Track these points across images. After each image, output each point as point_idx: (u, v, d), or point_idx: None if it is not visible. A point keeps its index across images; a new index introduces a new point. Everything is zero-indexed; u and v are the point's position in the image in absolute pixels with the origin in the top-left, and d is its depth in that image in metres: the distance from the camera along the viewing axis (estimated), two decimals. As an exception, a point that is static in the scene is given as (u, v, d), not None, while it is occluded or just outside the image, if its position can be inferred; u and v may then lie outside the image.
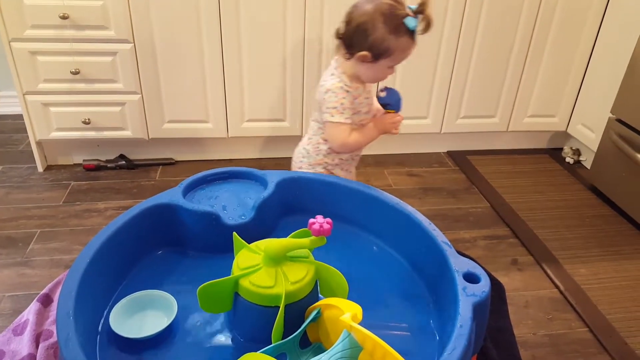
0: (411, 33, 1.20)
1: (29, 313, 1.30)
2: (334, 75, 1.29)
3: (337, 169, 1.42)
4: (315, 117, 1.38)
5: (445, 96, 2.23)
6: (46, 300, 1.35)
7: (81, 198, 1.94)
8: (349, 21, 1.24)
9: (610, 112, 2.02)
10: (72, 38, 1.84)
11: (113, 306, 0.93)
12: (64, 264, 1.59)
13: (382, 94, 1.34)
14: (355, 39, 1.22)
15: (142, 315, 0.93)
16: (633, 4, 1.96)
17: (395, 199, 1.12)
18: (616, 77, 2.02)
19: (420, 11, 1.20)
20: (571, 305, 1.52)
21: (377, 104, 1.38)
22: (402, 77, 2.14)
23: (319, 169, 1.40)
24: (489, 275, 1.47)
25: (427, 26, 1.21)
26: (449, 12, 2.04)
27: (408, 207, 1.09)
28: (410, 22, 1.18)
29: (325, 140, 1.36)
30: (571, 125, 2.36)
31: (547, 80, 2.26)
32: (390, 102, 1.34)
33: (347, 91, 1.27)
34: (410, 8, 1.20)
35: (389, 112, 1.36)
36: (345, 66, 1.29)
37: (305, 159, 1.40)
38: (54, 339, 1.23)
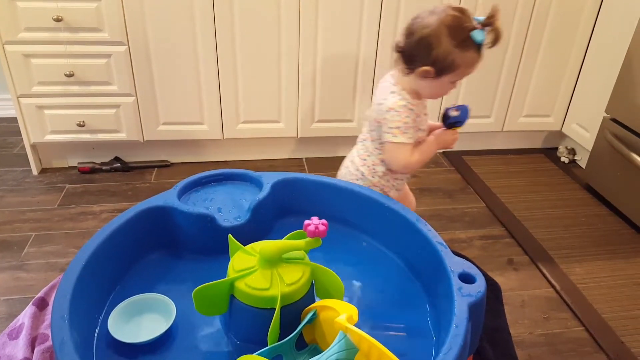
0: (478, 47, 1.13)
1: (25, 317, 1.29)
2: (394, 92, 1.19)
3: (392, 190, 1.35)
4: (372, 136, 1.28)
5: (440, 97, 2.23)
6: (42, 304, 1.35)
7: (76, 201, 1.93)
8: (409, 34, 1.15)
9: (605, 111, 2.02)
10: (66, 40, 1.83)
11: (109, 309, 0.93)
12: (59, 267, 1.59)
13: (455, 113, 1.26)
14: (416, 53, 1.14)
15: (140, 319, 0.92)
16: (626, 4, 1.97)
17: (390, 199, 1.12)
18: (610, 76, 2.03)
19: (488, 24, 1.12)
20: (567, 304, 1.53)
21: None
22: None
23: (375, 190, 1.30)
24: (485, 275, 1.47)
25: (496, 39, 1.13)
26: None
27: (403, 208, 1.09)
28: (477, 35, 1.11)
29: (383, 161, 1.28)
30: (566, 125, 2.37)
31: (542, 80, 2.27)
32: (461, 119, 1.27)
33: (411, 109, 1.18)
34: (477, 20, 1.13)
35: (452, 129, 1.29)
36: (404, 82, 1.20)
37: (360, 182, 1.31)
38: (50, 342, 1.23)
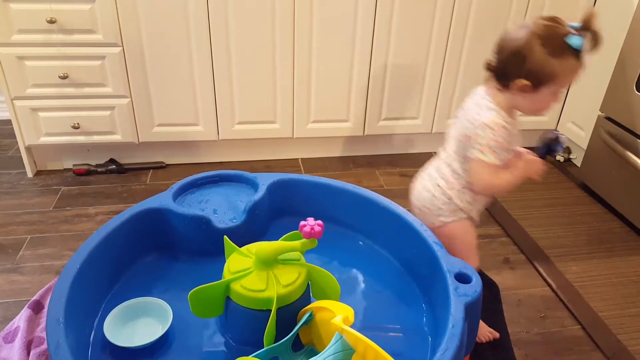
0: (576, 53, 1.07)
1: (20, 320, 1.29)
2: (491, 109, 1.12)
3: (476, 213, 1.25)
4: (460, 156, 1.19)
5: (436, 97, 2.24)
6: (37, 307, 1.34)
7: (71, 203, 1.92)
8: (500, 50, 1.10)
9: (599, 110, 2.03)
10: (60, 42, 1.83)
11: (104, 312, 0.93)
12: (54, 270, 1.58)
13: (554, 142, 1.19)
14: (510, 68, 1.08)
15: (136, 323, 0.92)
16: (620, 3, 1.98)
17: (386, 200, 1.12)
18: (605, 75, 2.03)
19: (585, 28, 1.08)
20: (563, 303, 1.53)
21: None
22: (392, 78, 2.14)
23: (461, 215, 1.22)
24: (483, 274, 1.48)
25: (596, 43, 1.08)
26: (437, 14, 2.05)
27: (399, 208, 1.09)
28: (574, 40, 1.06)
29: (471, 183, 1.18)
30: (561, 124, 2.38)
31: (537, 79, 2.27)
32: (558, 149, 1.20)
33: (506, 128, 1.10)
34: (572, 26, 1.08)
35: (544, 158, 1.20)
36: (499, 99, 1.13)
37: (446, 206, 1.21)
38: (45, 345, 1.22)
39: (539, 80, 1.07)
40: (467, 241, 1.25)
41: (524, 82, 1.07)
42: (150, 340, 0.87)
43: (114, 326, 0.89)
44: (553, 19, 1.10)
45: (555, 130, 1.19)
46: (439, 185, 1.22)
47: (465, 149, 1.15)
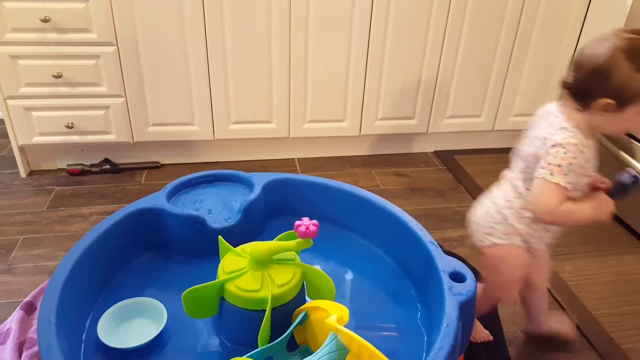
0: None
1: (12, 321, 1.28)
2: (565, 129, 1.03)
3: (539, 243, 1.16)
4: (525, 175, 1.12)
5: (432, 97, 2.24)
6: (29, 308, 1.33)
7: (65, 203, 1.91)
8: (579, 67, 1.02)
9: (594, 110, 2.03)
10: (54, 41, 1.82)
11: (97, 313, 0.92)
12: (47, 271, 1.57)
13: (630, 182, 1.10)
14: (591, 86, 0.99)
15: (130, 324, 0.91)
16: (615, 3, 1.98)
17: (381, 199, 1.12)
18: (599, 75, 2.04)
19: None
20: (557, 301, 1.53)
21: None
22: (388, 78, 2.14)
23: (516, 240, 1.14)
24: (479, 274, 1.48)
25: None
26: (433, 13, 2.05)
27: (395, 208, 1.09)
28: None
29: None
30: (556, 124, 2.38)
31: (531, 79, 2.28)
32: (633, 191, 1.11)
33: (581, 151, 1.02)
34: None
35: (616, 198, 1.11)
36: (576, 119, 1.03)
37: (500, 226, 1.13)
38: (38, 347, 1.21)
39: (624, 99, 0.98)
40: (512, 272, 1.16)
41: (608, 101, 0.98)
42: (145, 341, 0.86)
43: (108, 327, 0.89)
44: (637, 32, 0.99)
45: (632, 171, 1.09)
46: (495, 203, 1.15)
47: (533, 169, 1.07)
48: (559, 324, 1.39)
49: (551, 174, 1.01)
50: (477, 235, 1.18)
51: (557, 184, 1.01)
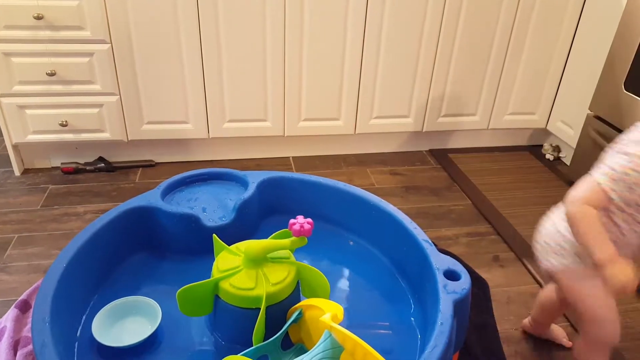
0: None
1: (7, 320, 1.27)
2: None
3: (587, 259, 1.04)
4: None
5: (427, 95, 2.24)
6: (24, 307, 1.32)
7: (59, 202, 1.90)
8: None
9: (589, 108, 2.04)
10: (47, 39, 1.80)
11: (92, 311, 0.92)
12: (42, 269, 1.56)
13: None
14: None
15: (125, 322, 0.91)
16: (609, 2, 1.99)
17: (376, 197, 1.12)
18: (594, 74, 2.05)
19: None
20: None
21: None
22: (383, 76, 2.14)
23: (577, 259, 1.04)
24: (472, 272, 1.48)
25: None
26: (428, 12, 2.05)
27: (389, 206, 1.09)
28: None
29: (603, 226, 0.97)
30: (551, 123, 2.39)
31: (527, 78, 2.29)
32: None
33: None
34: None
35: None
36: None
37: (569, 246, 1.04)
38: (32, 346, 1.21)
39: None
40: (598, 296, 1.01)
41: None
42: (139, 339, 0.86)
43: (103, 325, 0.89)
44: None
45: None
46: (554, 223, 1.06)
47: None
48: (561, 333, 1.39)
49: (600, 174, 0.94)
50: (546, 256, 1.09)
51: (598, 184, 0.93)
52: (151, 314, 0.91)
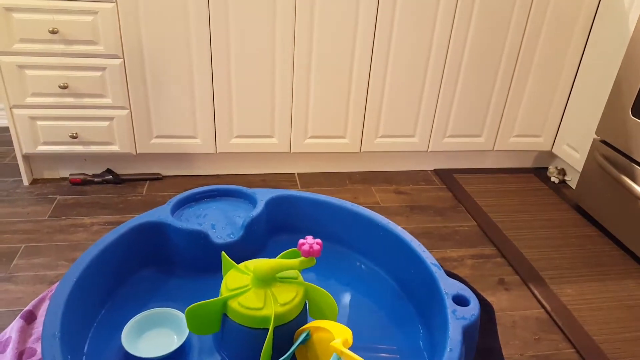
0: None
1: (12, 330, 1.27)
2: None
3: None
4: None
5: (432, 115, 2.26)
6: (30, 317, 1.33)
7: (67, 213, 1.91)
8: None
9: (595, 133, 2.05)
10: (61, 52, 1.83)
11: (98, 327, 0.93)
12: (48, 280, 1.57)
13: None
14: None
15: (152, 334, 0.93)
16: (617, 26, 2.01)
17: (384, 219, 1.12)
18: (601, 98, 2.06)
19: None
20: (558, 325, 1.53)
21: None
22: (389, 95, 2.16)
23: None
24: (478, 295, 1.47)
25: None
26: (436, 33, 2.07)
27: (397, 228, 1.09)
28: None
29: None
30: (556, 146, 2.40)
31: (533, 100, 2.30)
32: None
33: None
34: None
35: None
36: None
37: None
38: (38, 357, 1.21)
39: None
40: None
41: None
42: (167, 351, 0.88)
43: (132, 336, 0.90)
44: None
45: None
46: None
47: None
48: None
49: None
50: None
51: None
52: (178, 325, 0.93)
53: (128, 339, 0.89)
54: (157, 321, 0.94)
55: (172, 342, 0.90)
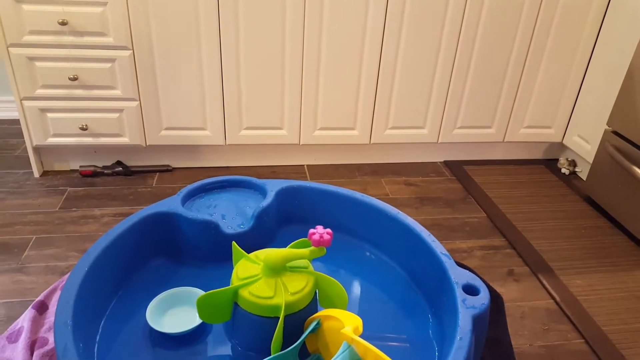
0: None
1: (24, 320, 1.29)
2: None
3: None
4: None
5: (443, 106, 2.24)
6: (41, 308, 1.34)
7: (77, 204, 1.93)
8: None
9: (607, 124, 2.03)
10: (70, 44, 1.84)
11: (110, 315, 0.94)
12: (59, 271, 1.58)
13: None
14: None
15: (175, 311, 0.96)
16: (630, 17, 1.98)
17: (394, 209, 1.12)
18: (612, 89, 2.04)
19: None
20: (567, 316, 1.53)
21: None
22: (399, 87, 2.15)
23: None
24: (488, 286, 1.47)
25: None
26: (446, 24, 2.06)
27: (408, 218, 1.09)
28: None
29: None
30: (567, 137, 2.38)
31: (544, 91, 2.28)
32: None
33: None
34: None
35: None
36: None
37: None
38: (49, 346, 1.22)
39: None
40: None
41: None
42: (189, 327, 0.91)
43: (156, 313, 0.94)
44: None
45: None
46: None
47: None
48: None
49: None
50: None
51: None
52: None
53: (152, 316, 0.92)
54: (180, 299, 0.97)
55: (194, 319, 0.93)
